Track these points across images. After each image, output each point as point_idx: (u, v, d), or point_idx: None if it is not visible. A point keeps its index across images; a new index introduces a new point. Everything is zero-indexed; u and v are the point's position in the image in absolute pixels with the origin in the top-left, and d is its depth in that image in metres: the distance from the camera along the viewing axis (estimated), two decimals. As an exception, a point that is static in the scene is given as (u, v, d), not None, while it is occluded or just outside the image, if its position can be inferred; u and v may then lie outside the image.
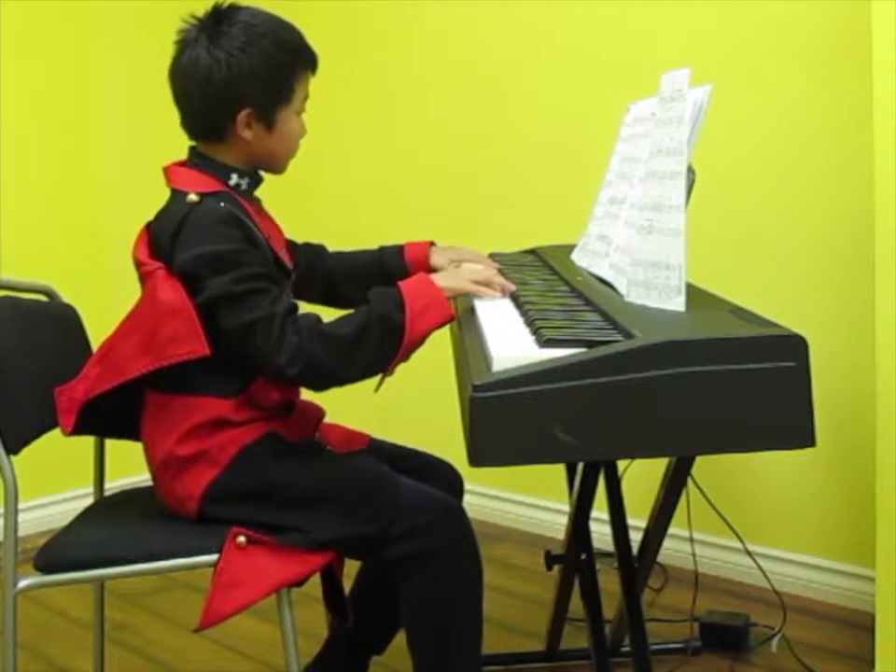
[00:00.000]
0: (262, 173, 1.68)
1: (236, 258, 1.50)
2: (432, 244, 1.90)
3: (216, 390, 1.57)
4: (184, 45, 1.58)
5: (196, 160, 1.63)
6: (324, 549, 1.52)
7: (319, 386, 1.54)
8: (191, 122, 1.62)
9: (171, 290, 1.50)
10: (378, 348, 1.50)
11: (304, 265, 1.84)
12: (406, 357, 1.53)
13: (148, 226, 1.61)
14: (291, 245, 1.82)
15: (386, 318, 1.50)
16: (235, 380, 1.58)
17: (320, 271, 1.88)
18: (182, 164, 1.64)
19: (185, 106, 1.61)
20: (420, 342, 1.53)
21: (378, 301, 1.52)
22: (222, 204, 1.54)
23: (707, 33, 2.42)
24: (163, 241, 1.53)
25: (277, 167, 1.67)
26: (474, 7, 2.87)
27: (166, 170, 1.62)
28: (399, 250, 1.89)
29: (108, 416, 1.64)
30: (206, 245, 1.50)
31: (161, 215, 1.59)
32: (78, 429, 1.62)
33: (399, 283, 1.55)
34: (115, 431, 1.73)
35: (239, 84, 1.55)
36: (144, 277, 1.56)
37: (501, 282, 1.62)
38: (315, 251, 1.91)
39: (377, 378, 1.56)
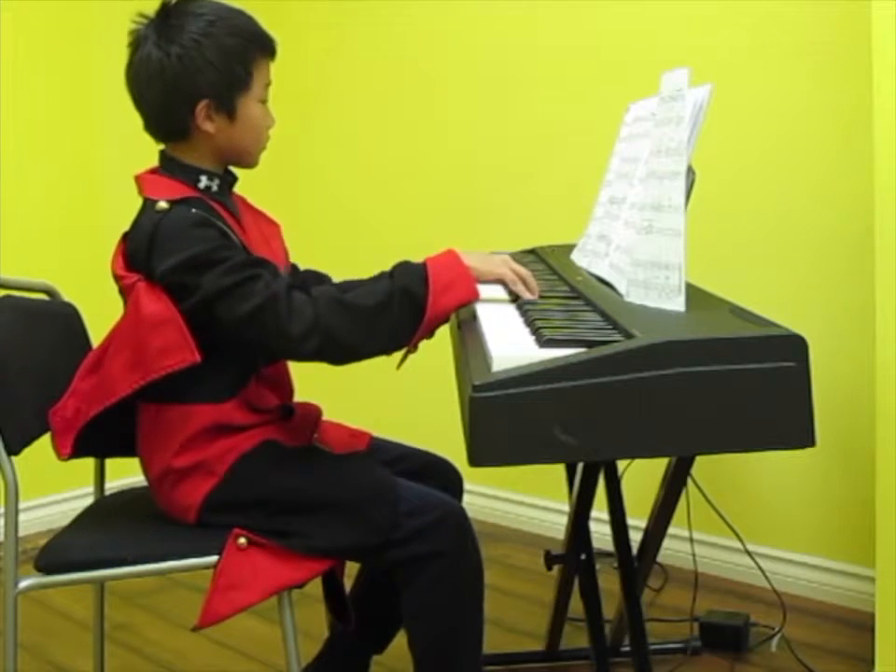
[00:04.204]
0: (236, 171, 1.66)
1: (218, 254, 1.48)
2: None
3: (209, 397, 1.55)
4: (135, 45, 1.57)
5: (165, 164, 1.61)
6: (325, 556, 1.52)
7: (338, 360, 1.52)
8: (153, 123, 1.59)
9: (155, 302, 1.48)
10: (398, 322, 1.47)
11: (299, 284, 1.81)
12: (429, 334, 1.51)
13: (125, 237, 1.58)
14: (292, 266, 1.79)
15: (408, 292, 1.47)
16: (229, 383, 1.57)
17: None
18: (153, 171, 1.61)
19: (144, 108, 1.59)
20: (443, 318, 1.51)
21: (401, 275, 1.49)
22: (193, 210, 1.51)
23: (707, 33, 2.42)
24: (139, 252, 1.51)
25: (247, 160, 1.64)
26: (473, 7, 2.87)
27: (137, 179, 1.60)
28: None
29: (104, 435, 1.62)
30: (185, 251, 1.47)
31: (134, 226, 1.56)
32: (75, 453, 1.59)
33: (427, 258, 1.52)
34: (111, 450, 1.72)
35: (193, 75, 1.53)
36: (124, 291, 1.54)
37: (533, 284, 1.57)
38: (316, 276, 1.87)
39: (384, 365, 1.54)
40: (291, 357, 1.58)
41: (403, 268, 1.52)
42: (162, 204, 1.51)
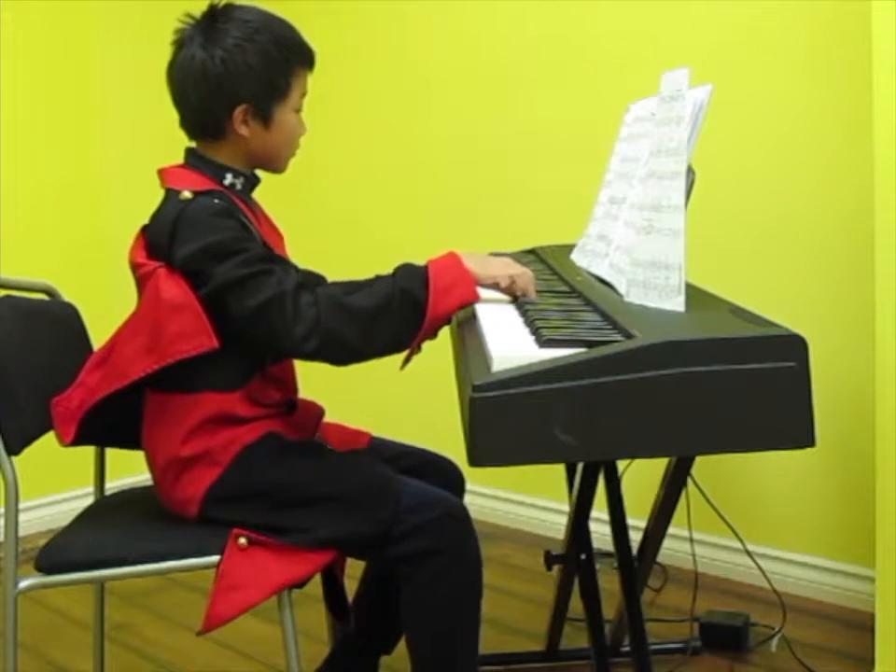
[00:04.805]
0: (261, 174, 1.68)
1: (236, 245, 1.50)
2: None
3: (216, 385, 1.56)
4: (180, 44, 1.59)
5: (191, 160, 1.63)
6: (325, 548, 1.52)
7: (339, 361, 1.53)
8: (190, 121, 1.62)
9: (174, 287, 1.50)
10: (399, 323, 1.49)
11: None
12: (432, 335, 1.52)
13: (144, 229, 1.60)
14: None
15: (409, 293, 1.48)
16: (236, 374, 1.58)
17: None
18: (178, 165, 1.64)
19: (182, 105, 1.61)
20: (444, 319, 1.52)
21: (402, 276, 1.51)
22: (216, 201, 1.54)
23: (707, 33, 2.42)
24: (160, 240, 1.53)
25: (276, 166, 1.67)
26: (474, 7, 2.87)
27: (160, 171, 1.62)
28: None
29: (108, 425, 1.63)
30: (205, 239, 1.49)
31: (156, 216, 1.58)
32: (77, 440, 1.60)
33: (429, 260, 1.54)
34: (114, 440, 1.73)
35: (235, 80, 1.56)
36: (142, 279, 1.55)
37: (531, 291, 1.57)
38: (313, 277, 1.86)
39: (386, 366, 1.55)
40: (293, 355, 1.60)
41: (405, 270, 1.53)
42: (186, 194, 1.54)
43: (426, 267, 1.52)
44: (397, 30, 3.06)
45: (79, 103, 3.11)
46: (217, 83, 1.56)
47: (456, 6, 2.90)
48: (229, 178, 1.61)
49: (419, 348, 1.54)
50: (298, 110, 1.64)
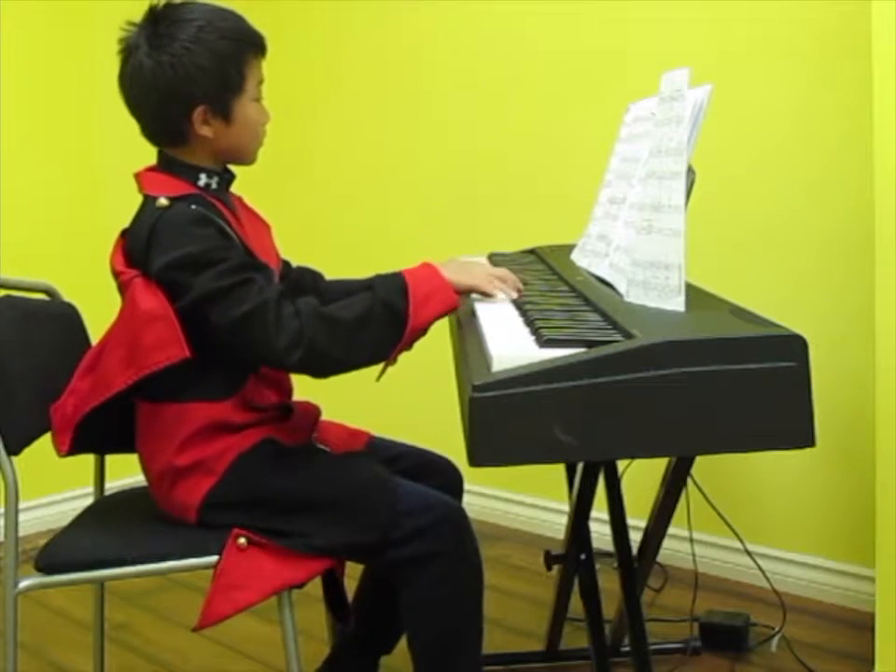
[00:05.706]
0: (234, 168, 1.66)
1: (215, 254, 1.48)
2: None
3: (205, 395, 1.55)
4: (126, 53, 1.56)
5: (164, 163, 1.61)
6: (324, 554, 1.52)
7: (321, 373, 1.52)
8: (150, 129, 1.60)
9: (151, 298, 1.48)
10: (380, 335, 1.48)
11: (292, 282, 1.81)
12: (409, 346, 1.51)
13: (124, 234, 1.59)
14: (283, 262, 1.80)
15: (389, 304, 1.47)
16: (227, 382, 1.57)
17: (310, 291, 1.82)
18: (152, 169, 1.62)
19: (139, 115, 1.59)
20: (423, 330, 1.51)
21: (381, 287, 1.50)
22: (193, 207, 1.52)
23: (707, 33, 2.42)
24: (138, 248, 1.51)
25: (245, 158, 1.64)
26: (473, 6, 2.87)
27: (137, 176, 1.61)
28: None
29: (103, 432, 1.63)
30: (182, 249, 1.47)
31: (134, 222, 1.56)
32: (74, 449, 1.60)
33: (404, 270, 1.53)
34: (111, 447, 1.72)
35: (187, 84, 1.53)
36: (122, 287, 1.54)
37: (510, 288, 1.58)
38: (310, 273, 1.89)
39: (377, 369, 1.54)
40: (276, 366, 1.58)
41: (382, 280, 1.52)
42: (163, 201, 1.52)
43: (403, 277, 1.50)
44: (398, 27, 3.05)
45: (79, 102, 3.11)
46: (169, 90, 1.53)
47: (457, 4, 2.90)
48: (203, 179, 1.59)
49: (395, 360, 1.53)
50: (257, 99, 1.61)
